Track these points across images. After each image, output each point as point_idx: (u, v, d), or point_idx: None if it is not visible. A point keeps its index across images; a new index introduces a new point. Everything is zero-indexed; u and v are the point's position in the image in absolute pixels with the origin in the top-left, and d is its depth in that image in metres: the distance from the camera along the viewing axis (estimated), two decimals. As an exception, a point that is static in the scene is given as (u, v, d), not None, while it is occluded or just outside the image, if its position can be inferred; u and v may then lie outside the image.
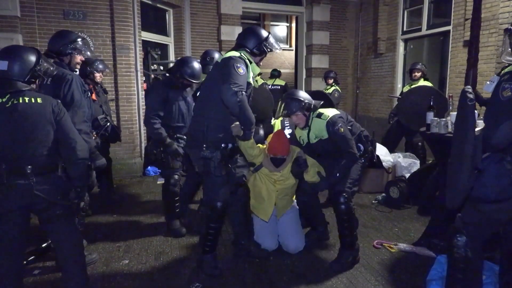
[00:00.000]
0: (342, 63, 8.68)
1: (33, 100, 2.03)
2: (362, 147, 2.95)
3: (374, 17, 7.87)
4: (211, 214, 2.65)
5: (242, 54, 2.57)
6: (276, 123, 4.10)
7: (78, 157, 2.11)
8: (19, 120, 1.99)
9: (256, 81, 3.82)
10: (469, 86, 1.89)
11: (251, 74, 2.62)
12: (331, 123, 2.79)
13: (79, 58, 2.78)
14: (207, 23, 7.20)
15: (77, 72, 2.97)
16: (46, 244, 2.99)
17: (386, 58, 7.80)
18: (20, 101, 2.00)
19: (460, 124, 1.87)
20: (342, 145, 2.79)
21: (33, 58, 2.09)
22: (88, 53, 2.84)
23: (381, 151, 4.78)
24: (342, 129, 2.77)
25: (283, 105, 2.89)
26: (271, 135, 3.09)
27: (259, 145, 3.01)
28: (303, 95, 2.91)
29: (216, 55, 3.75)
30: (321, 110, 2.91)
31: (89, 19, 5.26)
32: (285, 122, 4.00)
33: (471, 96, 1.80)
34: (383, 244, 3.20)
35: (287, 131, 3.80)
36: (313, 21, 8.08)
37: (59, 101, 2.17)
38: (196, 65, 3.36)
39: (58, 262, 2.34)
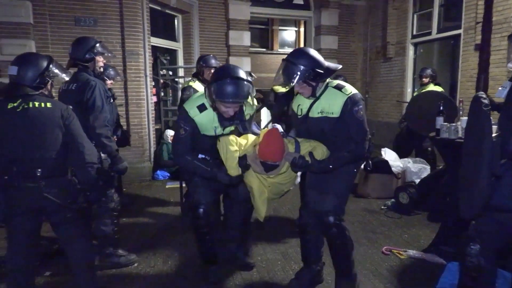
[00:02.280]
0: (351, 68, 8.64)
1: (42, 104, 2.07)
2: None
3: (383, 21, 7.83)
4: (194, 221, 2.55)
5: None
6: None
7: (86, 161, 2.14)
8: (30, 124, 2.03)
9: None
10: (482, 92, 1.86)
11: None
12: (352, 101, 2.21)
13: (101, 61, 2.88)
14: (216, 28, 7.25)
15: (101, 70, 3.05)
16: (56, 246, 3.03)
17: (395, 62, 7.75)
18: (30, 105, 2.05)
19: (474, 131, 1.82)
20: (354, 132, 2.24)
21: (42, 64, 2.14)
22: (109, 54, 2.95)
23: (390, 156, 4.74)
24: (361, 112, 2.22)
25: (281, 70, 2.26)
26: (263, 131, 2.46)
27: (247, 135, 2.54)
28: (307, 60, 2.20)
29: (213, 61, 3.92)
30: (341, 83, 2.36)
31: (100, 25, 5.34)
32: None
33: (485, 101, 1.75)
34: (392, 250, 3.16)
35: None
36: (322, 26, 8.08)
37: (70, 106, 2.22)
38: None
39: (69, 265, 2.37)
